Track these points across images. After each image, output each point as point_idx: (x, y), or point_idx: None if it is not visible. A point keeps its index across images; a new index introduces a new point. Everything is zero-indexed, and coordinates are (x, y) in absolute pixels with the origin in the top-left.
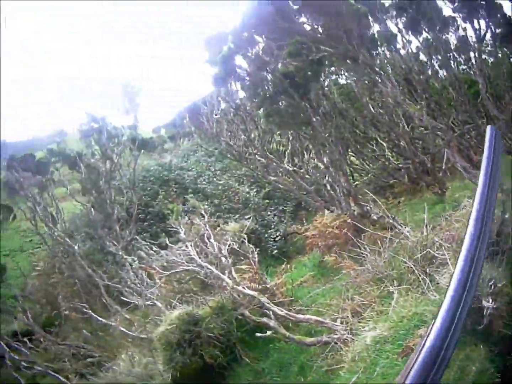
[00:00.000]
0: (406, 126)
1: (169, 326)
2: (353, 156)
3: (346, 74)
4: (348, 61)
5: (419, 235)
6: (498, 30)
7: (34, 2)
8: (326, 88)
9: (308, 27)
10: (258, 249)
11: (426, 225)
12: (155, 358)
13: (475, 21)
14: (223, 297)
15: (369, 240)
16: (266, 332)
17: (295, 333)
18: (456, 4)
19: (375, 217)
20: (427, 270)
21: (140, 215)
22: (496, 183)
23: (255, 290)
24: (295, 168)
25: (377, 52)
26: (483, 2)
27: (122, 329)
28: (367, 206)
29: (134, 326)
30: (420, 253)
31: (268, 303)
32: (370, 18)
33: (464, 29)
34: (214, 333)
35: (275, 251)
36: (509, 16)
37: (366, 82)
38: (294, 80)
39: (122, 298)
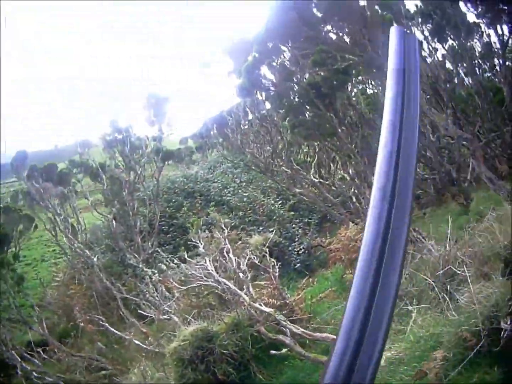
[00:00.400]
0: (432, 135)
1: (182, 342)
2: None
3: (373, 83)
4: (373, 69)
5: (442, 250)
6: None
7: (34, 2)
8: (353, 98)
9: (333, 36)
10: (280, 262)
11: (450, 239)
12: (166, 374)
13: (498, 27)
14: (240, 314)
15: None
16: (281, 350)
17: (311, 351)
18: (480, 9)
19: None
20: (448, 287)
21: (163, 227)
22: (415, 116)
23: (273, 306)
24: (321, 180)
25: None
26: (505, 8)
27: (137, 342)
28: None
29: (149, 340)
30: (442, 269)
31: (284, 321)
32: (395, 25)
33: (488, 35)
34: (228, 349)
35: (298, 264)
36: None
37: None
38: (320, 90)
39: (139, 311)
